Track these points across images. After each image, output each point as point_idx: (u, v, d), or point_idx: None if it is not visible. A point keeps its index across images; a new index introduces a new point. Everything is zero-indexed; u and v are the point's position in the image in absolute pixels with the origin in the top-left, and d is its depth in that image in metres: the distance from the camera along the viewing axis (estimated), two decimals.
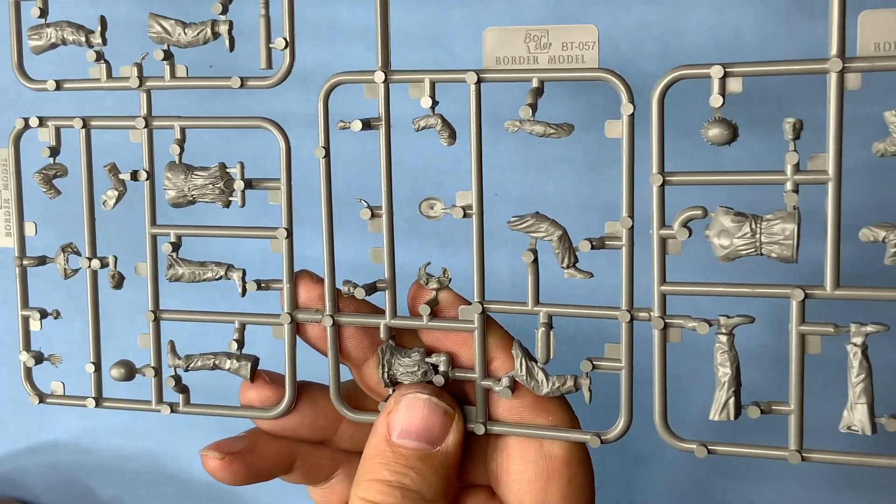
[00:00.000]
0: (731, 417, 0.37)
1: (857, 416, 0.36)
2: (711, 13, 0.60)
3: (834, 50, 0.34)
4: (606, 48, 0.61)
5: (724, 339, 0.37)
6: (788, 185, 0.35)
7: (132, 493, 0.81)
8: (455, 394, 0.42)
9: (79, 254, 0.45)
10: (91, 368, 0.45)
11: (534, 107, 0.37)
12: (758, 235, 0.36)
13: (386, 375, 0.42)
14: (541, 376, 0.40)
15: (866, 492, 0.64)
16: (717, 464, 0.66)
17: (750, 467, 0.66)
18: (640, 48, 0.61)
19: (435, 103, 0.39)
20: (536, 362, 0.40)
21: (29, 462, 0.83)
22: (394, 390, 0.42)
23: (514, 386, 0.40)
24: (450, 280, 0.41)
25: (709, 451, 0.38)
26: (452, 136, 0.40)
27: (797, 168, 0.35)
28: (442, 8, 0.64)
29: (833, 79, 0.34)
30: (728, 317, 0.37)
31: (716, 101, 0.36)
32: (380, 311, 0.42)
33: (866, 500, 0.64)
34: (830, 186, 0.35)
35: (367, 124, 0.40)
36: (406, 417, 0.40)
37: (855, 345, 0.36)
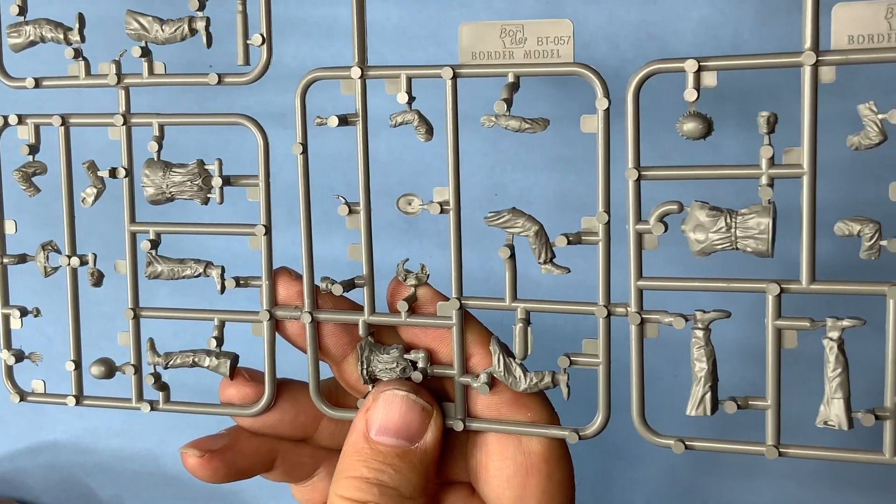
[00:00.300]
0: (708, 412, 0.37)
1: (833, 410, 0.36)
2: (712, 12, 0.60)
3: (808, 43, 0.34)
4: (606, 47, 0.61)
5: (700, 334, 0.37)
6: (763, 180, 0.35)
7: (132, 493, 0.81)
8: (434, 390, 0.42)
9: (59, 251, 0.45)
10: (71, 366, 0.45)
11: (509, 101, 0.37)
12: (733, 230, 0.35)
13: (365, 372, 0.42)
14: (518, 372, 0.40)
15: (864, 491, 0.64)
16: (716, 464, 0.66)
17: (751, 467, 0.66)
18: (640, 47, 0.61)
19: (412, 99, 0.39)
20: (514, 358, 0.40)
21: (29, 462, 0.83)
22: (373, 387, 0.42)
23: (493, 382, 0.40)
24: (428, 276, 0.41)
25: (686, 447, 0.38)
26: (429, 131, 0.40)
27: (772, 162, 0.35)
28: (442, 8, 0.64)
29: (807, 72, 0.34)
30: (704, 312, 0.37)
31: (690, 95, 0.36)
32: (359, 308, 0.42)
33: (866, 500, 0.64)
34: (805, 180, 0.35)
35: (345, 120, 0.40)
36: (384, 414, 0.40)
37: (831, 339, 0.35)
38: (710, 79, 0.35)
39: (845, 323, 0.35)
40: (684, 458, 0.66)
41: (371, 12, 0.65)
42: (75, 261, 0.44)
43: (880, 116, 0.33)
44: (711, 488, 0.67)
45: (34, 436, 0.82)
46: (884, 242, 0.34)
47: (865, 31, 0.34)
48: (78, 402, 0.45)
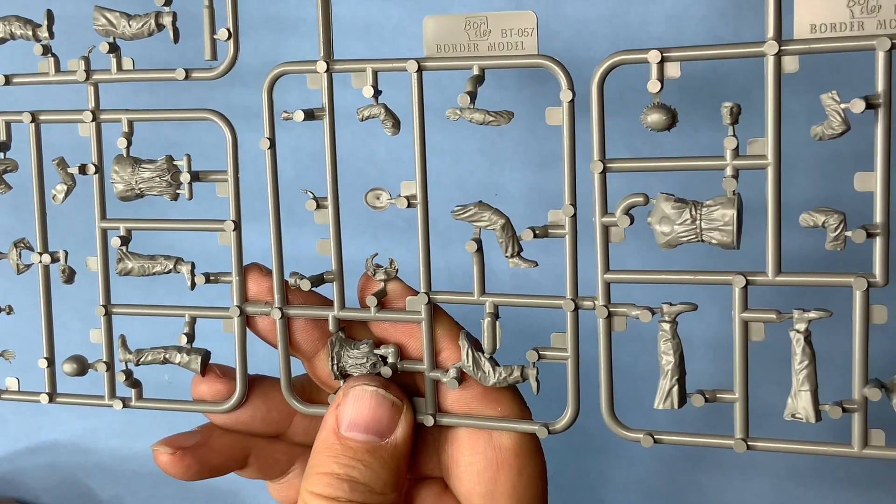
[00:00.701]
0: (675, 406, 0.37)
1: (800, 403, 0.35)
2: (712, 11, 0.60)
3: (770, 33, 0.34)
4: (606, 46, 0.60)
5: (667, 326, 0.37)
6: (728, 171, 0.35)
7: (132, 493, 0.81)
8: (405, 385, 0.42)
9: (31, 249, 0.45)
10: (44, 364, 0.45)
11: (472, 94, 0.37)
12: (698, 222, 0.35)
13: (336, 368, 0.41)
14: (487, 367, 0.39)
15: (864, 490, 0.63)
16: (710, 461, 0.66)
17: (746, 465, 0.65)
18: (639, 46, 0.61)
19: (378, 92, 0.39)
20: (483, 352, 0.40)
21: (29, 462, 0.83)
22: (344, 383, 0.42)
23: (462, 377, 0.40)
24: (397, 271, 0.41)
25: (655, 441, 0.38)
26: (396, 125, 0.40)
27: (736, 153, 0.35)
28: (442, 8, 0.64)
29: (770, 62, 0.34)
30: (671, 304, 0.37)
31: (654, 86, 0.35)
32: (330, 304, 0.42)
33: (864, 499, 0.64)
34: (769, 171, 0.35)
35: (311, 115, 0.40)
36: (354, 410, 0.40)
37: (798, 331, 0.35)
38: (673, 70, 0.35)
39: (811, 315, 0.35)
40: (678, 456, 0.66)
41: (372, 12, 0.65)
42: (46, 258, 0.44)
43: (843, 106, 0.33)
44: (705, 487, 0.66)
45: (34, 436, 0.82)
46: (849, 233, 0.34)
47: (828, 19, 0.33)
48: (51, 400, 0.45)
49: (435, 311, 0.40)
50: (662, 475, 0.67)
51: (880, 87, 0.33)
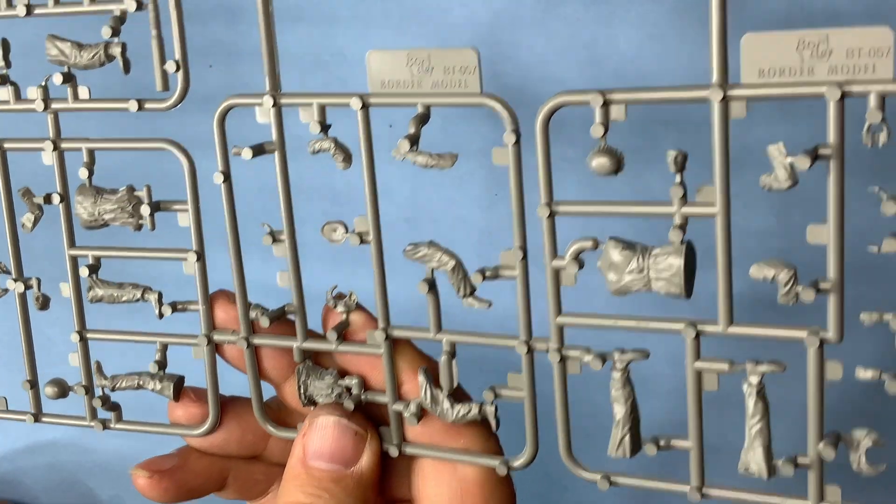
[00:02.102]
0: (627, 455, 0.36)
1: (753, 458, 0.34)
2: (701, 48, 0.57)
3: (715, 77, 0.32)
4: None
5: (617, 375, 0.35)
6: (676, 220, 0.33)
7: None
8: (373, 413, 0.41)
9: (8, 273, 0.45)
10: (27, 386, 0.46)
11: (413, 137, 0.36)
12: (646, 271, 0.34)
13: (303, 396, 0.41)
14: (446, 404, 0.39)
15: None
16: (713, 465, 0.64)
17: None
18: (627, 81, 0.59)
19: (326, 126, 0.38)
20: (442, 389, 0.39)
21: (28, 462, 0.84)
22: (312, 410, 0.41)
23: (423, 411, 0.40)
24: (356, 303, 0.40)
25: (611, 484, 0.37)
26: (347, 158, 0.38)
27: (684, 201, 0.33)
28: (443, 38, 0.62)
29: (716, 108, 0.32)
30: (622, 351, 0.35)
31: (597, 130, 0.33)
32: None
33: None
34: (718, 220, 0.33)
35: (261, 149, 0.39)
36: (318, 439, 0.40)
37: (750, 384, 0.34)
38: (618, 112, 0.33)
39: (763, 368, 0.33)
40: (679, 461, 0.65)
41: (370, 39, 0.62)
42: (20, 286, 0.44)
43: (789, 160, 0.31)
44: None
45: (34, 436, 0.82)
46: (799, 289, 0.32)
47: (777, 63, 0.31)
48: (36, 420, 0.46)
49: (398, 342, 0.40)
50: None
51: (832, 138, 0.31)
